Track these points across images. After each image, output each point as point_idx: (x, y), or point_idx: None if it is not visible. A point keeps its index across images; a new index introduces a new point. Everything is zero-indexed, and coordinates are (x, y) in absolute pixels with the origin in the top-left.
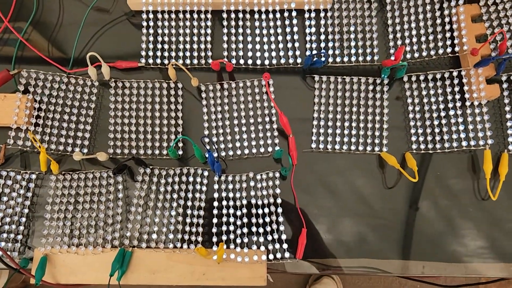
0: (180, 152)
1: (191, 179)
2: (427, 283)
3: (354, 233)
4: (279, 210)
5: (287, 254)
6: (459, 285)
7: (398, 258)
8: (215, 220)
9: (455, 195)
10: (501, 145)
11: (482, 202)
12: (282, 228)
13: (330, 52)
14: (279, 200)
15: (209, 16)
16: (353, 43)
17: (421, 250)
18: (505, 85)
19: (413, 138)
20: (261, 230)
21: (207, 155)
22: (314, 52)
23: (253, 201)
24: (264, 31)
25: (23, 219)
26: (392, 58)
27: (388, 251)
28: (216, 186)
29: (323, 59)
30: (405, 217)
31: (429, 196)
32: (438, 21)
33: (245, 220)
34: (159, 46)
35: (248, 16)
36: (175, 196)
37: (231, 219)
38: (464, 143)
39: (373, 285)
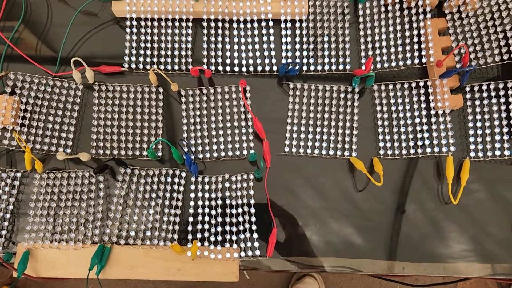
0: (160, 154)
1: (169, 179)
2: (407, 284)
3: (333, 232)
4: (252, 210)
5: (258, 252)
6: (436, 284)
7: (378, 258)
8: (191, 219)
9: (422, 199)
10: (464, 152)
11: (445, 206)
12: (254, 227)
13: (305, 60)
14: (252, 201)
15: (190, 24)
16: (326, 53)
17: (400, 250)
18: (468, 96)
19: (381, 144)
20: (234, 229)
21: (184, 157)
22: (289, 60)
23: (227, 201)
24: (242, 40)
25: (8, 215)
26: (363, 68)
27: (366, 249)
28: (193, 187)
29: (297, 67)
30: (381, 216)
31: (395, 199)
32: (407, 33)
33: (219, 219)
34: (142, 52)
35: (227, 25)
36: (153, 195)
37: (206, 218)
38: (428, 150)
39: (354, 285)
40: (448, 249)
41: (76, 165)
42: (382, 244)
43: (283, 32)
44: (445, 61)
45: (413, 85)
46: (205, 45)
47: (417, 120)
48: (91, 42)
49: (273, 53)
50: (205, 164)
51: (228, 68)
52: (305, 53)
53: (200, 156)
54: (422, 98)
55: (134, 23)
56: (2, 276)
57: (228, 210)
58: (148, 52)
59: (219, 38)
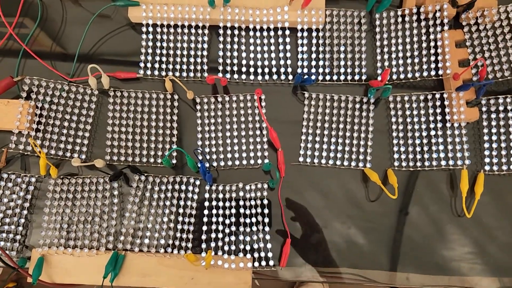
0: (174, 161)
1: (183, 187)
2: None
3: (345, 242)
4: (266, 219)
5: (271, 262)
6: None
7: (390, 268)
8: (204, 227)
9: (434, 211)
10: (478, 165)
11: (458, 219)
12: (268, 237)
13: (321, 70)
14: (266, 210)
15: (206, 31)
16: (342, 62)
17: (409, 261)
18: (484, 108)
19: (396, 156)
20: (248, 238)
21: (199, 165)
22: (305, 70)
23: (241, 210)
24: (258, 48)
25: (22, 220)
26: (379, 78)
27: (379, 260)
28: (207, 195)
29: (313, 77)
30: (391, 226)
31: (407, 212)
32: (424, 44)
33: (233, 228)
34: (158, 58)
35: (243, 33)
36: (167, 203)
37: (220, 227)
38: (443, 163)
39: None
40: (457, 261)
41: (90, 170)
42: (392, 254)
43: (299, 41)
44: (463, 74)
45: (429, 97)
46: (220, 53)
47: (433, 133)
48: (107, 46)
49: (289, 62)
50: (219, 172)
51: (243, 76)
52: (321, 63)
53: (214, 164)
54: (438, 110)
55: (150, 29)
56: (9, 273)
57: (242, 219)
58: (164, 59)
59: (235, 46)
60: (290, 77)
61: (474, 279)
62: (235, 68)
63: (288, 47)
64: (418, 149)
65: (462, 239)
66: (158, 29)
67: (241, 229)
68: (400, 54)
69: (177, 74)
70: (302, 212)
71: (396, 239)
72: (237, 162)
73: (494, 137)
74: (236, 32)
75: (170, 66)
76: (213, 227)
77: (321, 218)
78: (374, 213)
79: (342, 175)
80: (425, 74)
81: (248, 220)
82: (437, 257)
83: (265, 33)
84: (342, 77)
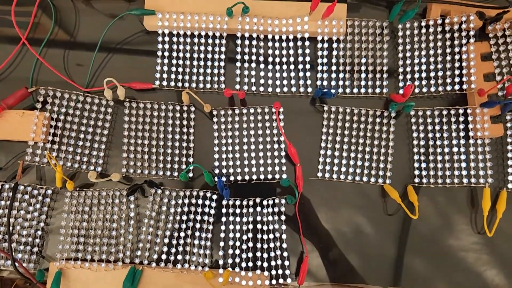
0: (191, 175)
1: (200, 201)
2: None
3: (365, 259)
4: (284, 236)
5: (289, 280)
6: None
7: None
8: (221, 243)
9: (452, 228)
10: (501, 182)
11: (478, 236)
12: (286, 254)
13: (341, 82)
14: (283, 227)
15: (223, 41)
16: (363, 75)
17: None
18: (509, 124)
19: (416, 172)
20: (265, 255)
21: (216, 180)
22: (325, 82)
23: (259, 226)
24: (277, 59)
25: (39, 232)
26: (400, 91)
27: (400, 277)
28: (224, 210)
29: (333, 91)
30: (412, 244)
31: (427, 228)
32: (448, 57)
33: (250, 244)
34: (174, 68)
35: (262, 43)
36: (184, 217)
37: (237, 243)
38: (465, 180)
39: None
40: (478, 281)
41: (106, 182)
42: (413, 274)
43: (319, 52)
44: (487, 88)
45: (452, 112)
46: (238, 64)
47: (455, 149)
48: (121, 56)
49: (308, 74)
50: (235, 186)
51: (261, 88)
52: (341, 75)
53: (231, 178)
54: (461, 126)
55: (166, 38)
56: None
57: (259, 235)
58: (180, 69)
59: (253, 57)
60: (310, 89)
61: None
62: (253, 80)
63: (307, 58)
64: (439, 165)
65: (481, 257)
66: (174, 39)
67: (259, 245)
68: (423, 67)
69: (194, 85)
70: (321, 228)
71: (418, 256)
72: (254, 177)
73: None
74: (254, 42)
75: (187, 77)
76: (230, 243)
77: (340, 234)
78: (393, 230)
79: (361, 190)
80: (448, 88)
81: (265, 236)
82: (459, 276)
83: (284, 44)
84: (362, 90)
